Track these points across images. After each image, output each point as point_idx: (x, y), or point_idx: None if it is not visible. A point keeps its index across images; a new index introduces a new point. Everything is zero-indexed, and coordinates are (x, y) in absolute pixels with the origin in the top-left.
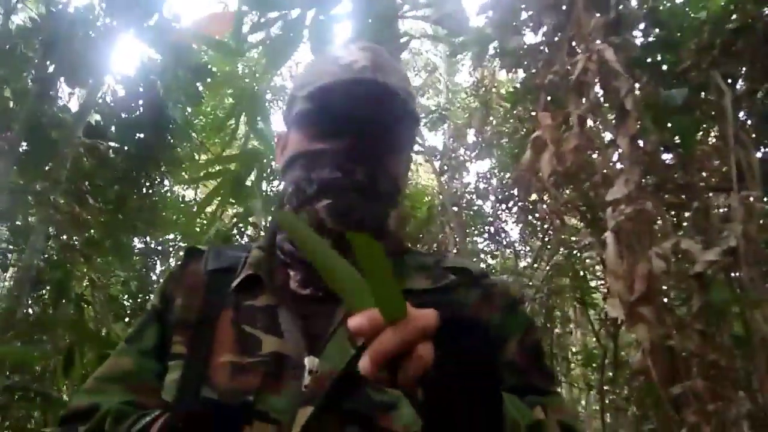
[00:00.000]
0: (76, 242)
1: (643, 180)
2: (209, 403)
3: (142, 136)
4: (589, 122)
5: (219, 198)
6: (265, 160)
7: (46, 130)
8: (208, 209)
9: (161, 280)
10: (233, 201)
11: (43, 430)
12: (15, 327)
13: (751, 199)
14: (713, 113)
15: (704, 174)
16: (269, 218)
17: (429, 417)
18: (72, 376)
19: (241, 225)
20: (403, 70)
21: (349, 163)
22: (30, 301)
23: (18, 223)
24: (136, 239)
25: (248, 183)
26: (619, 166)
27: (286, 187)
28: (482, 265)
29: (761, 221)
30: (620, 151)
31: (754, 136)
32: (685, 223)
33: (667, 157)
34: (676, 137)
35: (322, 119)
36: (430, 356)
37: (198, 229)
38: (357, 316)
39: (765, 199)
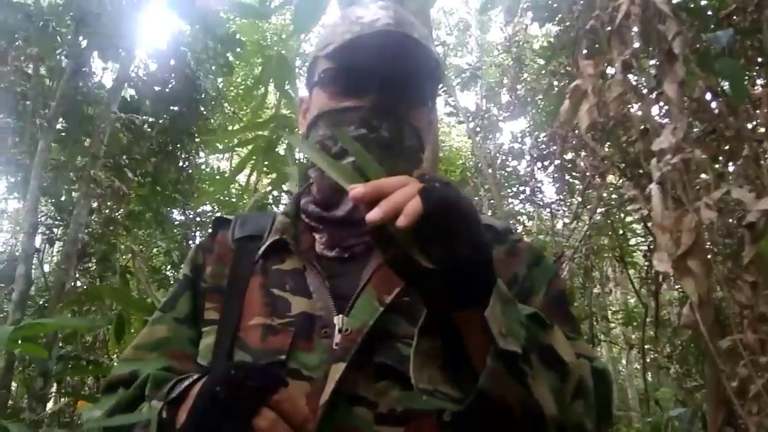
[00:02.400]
0: (118, 215)
1: (690, 129)
2: (245, 365)
3: (175, 108)
4: (634, 71)
5: (251, 165)
6: (296, 127)
7: (82, 107)
8: (243, 179)
9: (191, 251)
10: (266, 168)
11: (97, 395)
12: (65, 298)
13: None
14: (759, 59)
15: (754, 122)
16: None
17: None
18: (123, 343)
19: (275, 193)
20: (424, 28)
21: (375, 119)
22: (77, 274)
23: (62, 198)
24: (175, 211)
25: (281, 150)
26: (659, 117)
27: (312, 146)
28: (519, 227)
29: None
30: (668, 97)
31: None
32: (731, 175)
33: (714, 105)
34: (723, 84)
35: (345, 76)
36: (421, 184)
37: (234, 199)
38: (355, 187)
39: None
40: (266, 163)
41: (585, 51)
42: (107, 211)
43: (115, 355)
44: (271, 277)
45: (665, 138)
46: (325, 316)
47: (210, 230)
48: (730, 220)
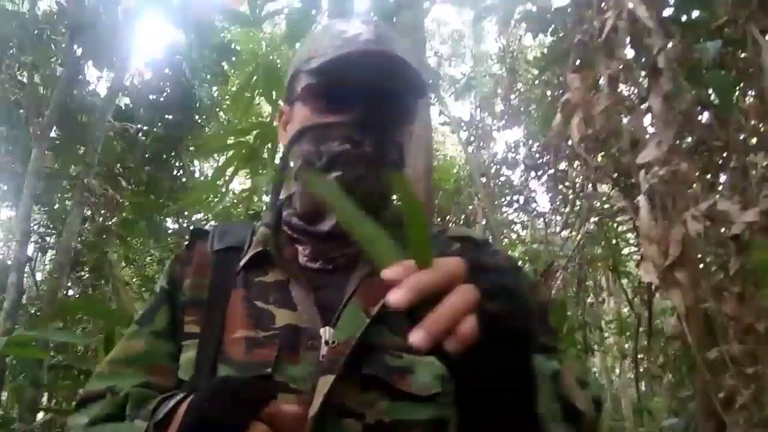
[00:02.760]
0: (111, 224)
1: (679, 141)
2: (232, 379)
3: (170, 117)
4: (621, 84)
5: (232, 169)
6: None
7: (76, 115)
8: (238, 187)
9: (169, 263)
10: (247, 175)
11: None
12: (57, 307)
13: None
14: (750, 71)
15: (743, 134)
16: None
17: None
18: None
19: (265, 198)
20: (406, 43)
21: (358, 134)
22: (70, 283)
23: (55, 206)
24: (168, 220)
25: (264, 155)
26: (651, 128)
27: (294, 160)
28: (513, 236)
29: None
30: (653, 111)
31: None
32: (721, 186)
33: (703, 117)
34: (712, 96)
35: (329, 93)
36: (476, 295)
37: (224, 207)
38: (390, 268)
39: None
40: (245, 168)
41: (577, 63)
42: (101, 219)
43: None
44: (254, 290)
45: (650, 151)
46: (311, 328)
47: (187, 242)
48: (723, 230)
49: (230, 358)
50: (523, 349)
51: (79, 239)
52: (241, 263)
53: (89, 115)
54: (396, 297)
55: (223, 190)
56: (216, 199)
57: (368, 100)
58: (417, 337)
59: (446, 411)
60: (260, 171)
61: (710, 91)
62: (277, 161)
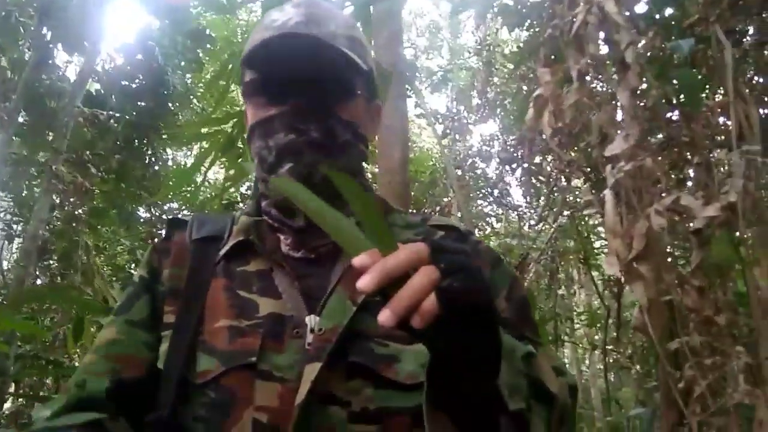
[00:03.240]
0: (81, 212)
1: (646, 136)
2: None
3: (142, 104)
4: (593, 79)
5: (209, 159)
6: None
7: (45, 100)
8: (213, 176)
9: (146, 253)
10: (224, 164)
11: (53, 396)
12: (23, 297)
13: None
14: (716, 69)
15: (709, 131)
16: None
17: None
18: (81, 343)
19: (242, 189)
20: (347, 18)
21: (300, 122)
22: (37, 272)
23: (22, 194)
24: (140, 208)
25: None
26: (618, 121)
27: (253, 158)
28: (487, 229)
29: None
30: (621, 106)
31: (755, 91)
32: (689, 182)
33: (671, 114)
34: (681, 94)
35: (265, 85)
36: (437, 274)
37: (200, 197)
38: (359, 256)
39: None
40: (224, 157)
41: (552, 57)
42: (70, 207)
43: (76, 355)
44: (236, 279)
45: (617, 144)
46: (296, 316)
47: (165, 232)
48: (689, 224)
49: (213, 348)
50: (481, 320)
51: (47, 227)
52: (222, 252)
53: (58, 100)
54: (364, 282)
55: (200, 179)
56: (192, 189)
57: (302, 86)
58: (383, 315)
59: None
60: (238, 160)
61: (678, 87)
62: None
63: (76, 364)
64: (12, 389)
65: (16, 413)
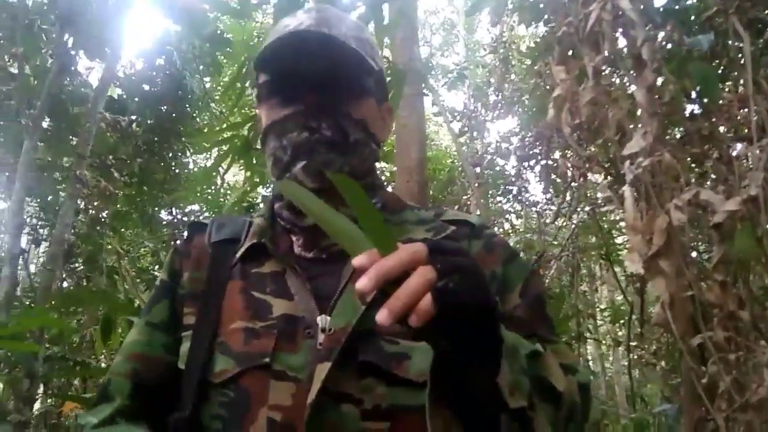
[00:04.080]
0: (104, 216)
1: (664, 131)
2: None
3: (162, 108)
4: (612, 73)
5: (227, 162)
6: None
7: (68, 106)
8: (228, 178)
9: (168, 256)
10: (241, 167)
11: (83, 395)
12: (51, 299)
13: None
14: (741, 62)
15: (729, 125)
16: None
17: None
18: (109, 344)
19: (261, 191)
20: (357, 22)
21: (312, 120)
22: (64, 275)
23: (48, 198)
24: (162, 211)
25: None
26: (638, 115)
27: (268, 160)
28: (506, 225)
29: None
30: (639, 102)
31: None
32: (712, 176)
33: (691, 108)
34: (699, 87)
35: (277, 86)
36: (433, 275)
37: (222, 200)
38: (358, 257)
39: None
40: (242, 160)
41: (569, 53)
42: (93, 211)
43: (102, 356)
44: (251, 281)
45: (636, 142)
46: (308, 317)
47: (186, 235)
48: (709, 220)
49: (229, 349)
50: (477, 320)
51: (72, 231)
52: (238, 255)
53: (81, 106)
54: (362, 283)
55: (219, 182)
56: (212, 192)
57: (313, 85)
58: (381, 315)
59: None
60: (254, 162)
61: (696, 81)
62: None
63: (103, 365)
64: (41, 391)
65: (46, 414)
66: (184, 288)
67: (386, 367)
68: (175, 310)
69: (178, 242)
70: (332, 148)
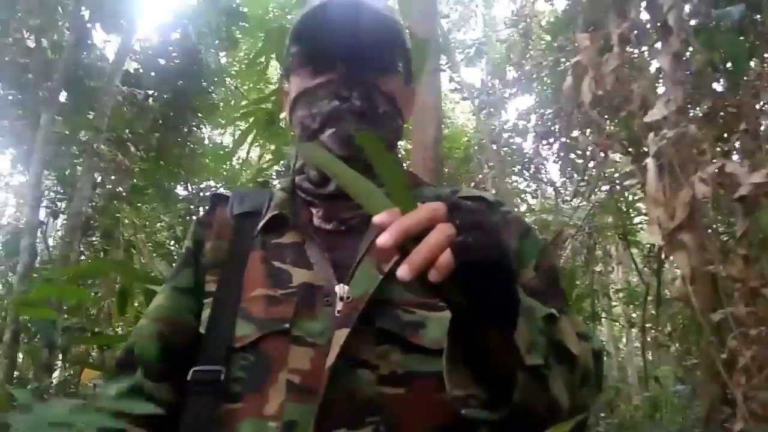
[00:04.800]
0: (121, 190)
1: (690, 104)
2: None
3: (179, 83)
4: (634, 47)
5: (251, 137)
6: None
7: (84, 80)
8: (243, 154)
9: (191, 226)
10: (265, 141)
11: (102, 364)
12: (69, 271)
13: None
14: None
15: (756, 100)
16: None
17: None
18: (127, 315)
19: (277, 168)
20: (388, 5)
21: (345, 89)
22: (81, 247)
23: (65, 172)
24: (178, 186)
25: (281, 123)
26: (662, 90)
27: (294, 128)
28: (523, 205)
29: None
30: (663, 69)
31: None
32: (734, 149)
33: (717, 83)
34: (728, 61)
35: (311, 55)
36: (452, 230)
37: (238, 176)
38: (379, 214)
39: None
40: (265, 135)
41: (589, 26)
42: (111, 185)
43: (119, 328)
44: (271, 251)
45: (658, 110)
46: (327, 285)
47: (208, 206)
48: (730, 194)
49: (250, 315)
50: (495, 275)
51: (89, 204)
52: (260, 226)
53: (97, 79)
54: (384, 239)
55: (236, 158)
56: (228, 168)
57: (348, 54)
58: (402, 270)
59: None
60: (278, 137)
61: (723, 54)
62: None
63: (121, 334)
64: (59, 361)
65: (64, 383)
66: (206, 257)
67: (402, 334)
68: (198, 277)
69: (200, 213)
70: (361, 118)
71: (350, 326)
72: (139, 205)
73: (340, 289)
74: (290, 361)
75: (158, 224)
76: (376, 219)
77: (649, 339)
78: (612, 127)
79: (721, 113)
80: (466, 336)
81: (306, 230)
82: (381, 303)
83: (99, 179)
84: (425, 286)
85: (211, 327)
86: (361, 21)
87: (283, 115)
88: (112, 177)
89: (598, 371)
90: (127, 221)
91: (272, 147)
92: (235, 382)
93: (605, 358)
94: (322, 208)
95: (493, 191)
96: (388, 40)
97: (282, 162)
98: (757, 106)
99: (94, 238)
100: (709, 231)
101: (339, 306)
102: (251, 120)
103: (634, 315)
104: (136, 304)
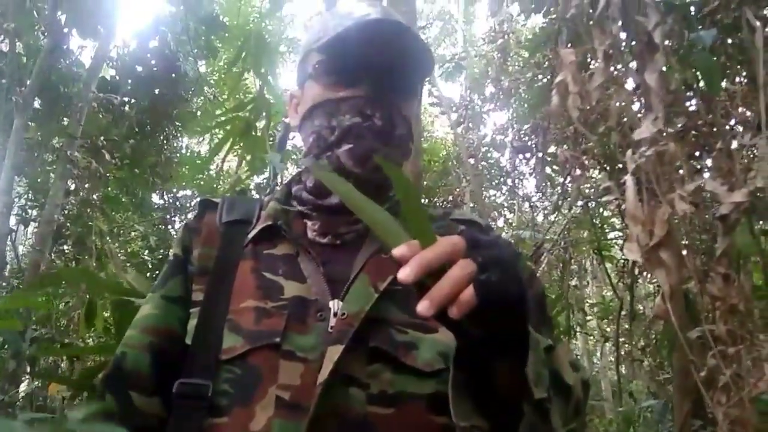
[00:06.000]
0: (95, 198)
1: (668, 122)
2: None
3: (156, 91)
4: (615, 64)
5: (228, 146)
6: (274, 112)
7: (59, 85)
8: (220, 163)
9: (179, 231)
10: (241, 150)
11: (71, 377)
12: (41, 281)
13: None
14: (740, 57)
15: (729, 117)
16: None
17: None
18: (95, 326)
19: (256, 179)
20: (410, 24)
21: (369, 108)
22: (53, 256)
23: (37, 179)
24: (154, 194)
25: (258, 133)
26: (638, 107)
27: (307, 137)
28: (501, 219)
29: None
30: (648, 87)
31: None
32: (707, 168)
33: (691, 100)
34: (700, 80)
35: (339, 67)
36: (473, 267)
37: (212, 183)
38: (399, 247)
39: None
40: (241, 144)
41: (570, 41)
42: (84, 192)
43: (90, 339)
44: (263, 262)
45: (645, 128)
46: (320, 300)
47: (197, 212)
48: (707, 215)
49: (239, 326)
50: (514, 312)
51: (62, 212)
52: (250, 236)
53: (72, 85)
54: (405, 273)
55: (218, 166)
56: (205, 177)
57: (377, 74)
58: (423, 306)
59: (447, 387)
60: (254, 145)
61: (697, 73)
62: (272, 137)
63: (90, 346)
64: (27, 372)
65: (32, 395)
66: (194, 264)
67: (395, 354)
68: (187, 285)
69: (176, 222)
70: (379, 137)
71: (344, 343)
72: (112, 213)
73: (335, 304)
74: (280, 376)
75: (132, 233)
76: (396, 252)
77: (622, 353)
78: (589, 143)
79: (694, 132)
80: (473, 366)
81: (300, 242)
82: (375, 321)
83: (72, 186)
84: (440, 320)
85: (198, 338)
86: (395, 42)
87: (260, 123)
88: (86, 184)
89: (585, 402)
90: (99, 229)
91: (248, 157)
92: (221, 396)
93: None
94: (320, 221)
95: (471, 205)
96: (416, 65)
97: (263, 173)
98: (728, 126)
99: (65, 247)
100: (687, 248)
101: (332, 322)
102: (228, 129)
103: (608, 329)
104: (107, 314)
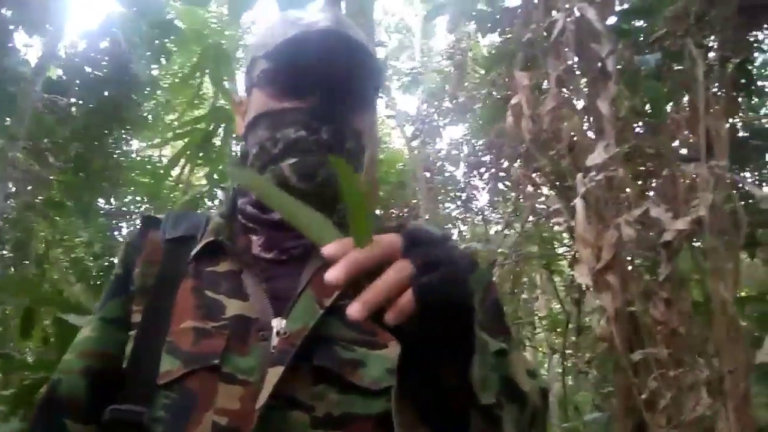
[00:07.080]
0: (37, 202)
1: (617, 148)
2: None
3: (105, 93)
4: (565, 88)
5: (186, 158)
6: (233, 120)
7: (3, 84)
8: (176, 172)
9: (121, 249)
10: (201, 161)
11: (2, 392)
12: None
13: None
14: (685, 83)
15: (674, 143)
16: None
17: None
18: (32, 337)
19: (212, 190)
20: (363, 33)
21: (315, 121)
22: None
23: None
24: (101, 200)
25: (217, 143)
26: (591, 133)
27: (250, 148)
28: (454, 232)
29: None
30: (599, 114)
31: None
32: (652, 192)
33: (637, 126)
34: (647, 106)
35: (285, 77)
36: (412, 269)
37: (166, 192)
38: (329, 245)
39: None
40: (201, 155)
41: (526, 63)
42: (25, 196)
43: (28, 350)
44: (205, 280)
45: (598, 154)
46: (262, 318)
47: (139, 228)
48: (652, 234)
49: (177, 348)
50: (459, 314)
51: (2, 216)
52: (193, 253)
53: (16, 84)
54: (333, 274)
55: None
56: (154, 182)
57: (327, 86)
58: (353, 308)
59: None
60: (213, 156)
61: (644, 100)
62: (230, 148)
63: (28, 358)
64: None
65: None
66: (134, 284)
67: (340, 373)
68: (127, 306)
69: (123, 229)
70: (327, 153)
71: (285, 364)
72: (55, 218)
73: (277, 323)
74: (218, 400)
75: (76, 239)
76: (325, 251)
77: (569, 365)
78: (541, 162)
79: (641, 155)
80: (417, 372)
81: (243, 258)
82: (319, 339)
83: (13, 189)
84: (378, 323)
85: (134, 362)
86: (343, 52)
87: (217, 137)
88: (28, 187)
89: (544, 411)
90: (41, 235)
91: (207, 167)
92: (156, 423)
93: None
94: (264, 235)
95: (426, 217)
96: (367, 77)
97: (221, 186)
98: (673, 152)
99: (4, 252)
100: (631, 272)
101: (275, 341)
102: (186, 141)
103: (556, 342)
104: (47, 322)
